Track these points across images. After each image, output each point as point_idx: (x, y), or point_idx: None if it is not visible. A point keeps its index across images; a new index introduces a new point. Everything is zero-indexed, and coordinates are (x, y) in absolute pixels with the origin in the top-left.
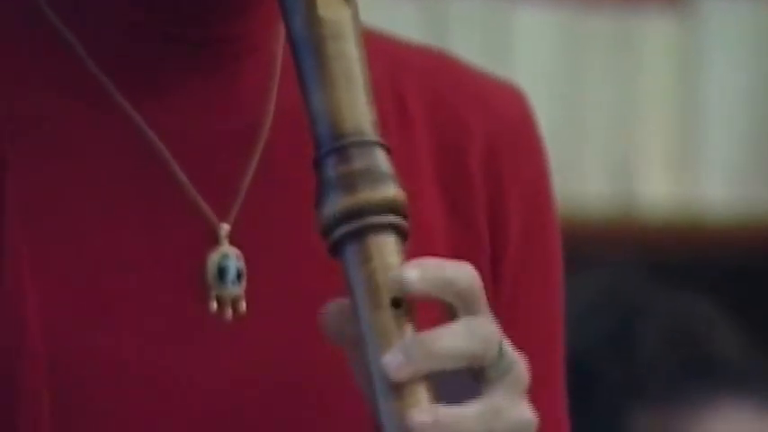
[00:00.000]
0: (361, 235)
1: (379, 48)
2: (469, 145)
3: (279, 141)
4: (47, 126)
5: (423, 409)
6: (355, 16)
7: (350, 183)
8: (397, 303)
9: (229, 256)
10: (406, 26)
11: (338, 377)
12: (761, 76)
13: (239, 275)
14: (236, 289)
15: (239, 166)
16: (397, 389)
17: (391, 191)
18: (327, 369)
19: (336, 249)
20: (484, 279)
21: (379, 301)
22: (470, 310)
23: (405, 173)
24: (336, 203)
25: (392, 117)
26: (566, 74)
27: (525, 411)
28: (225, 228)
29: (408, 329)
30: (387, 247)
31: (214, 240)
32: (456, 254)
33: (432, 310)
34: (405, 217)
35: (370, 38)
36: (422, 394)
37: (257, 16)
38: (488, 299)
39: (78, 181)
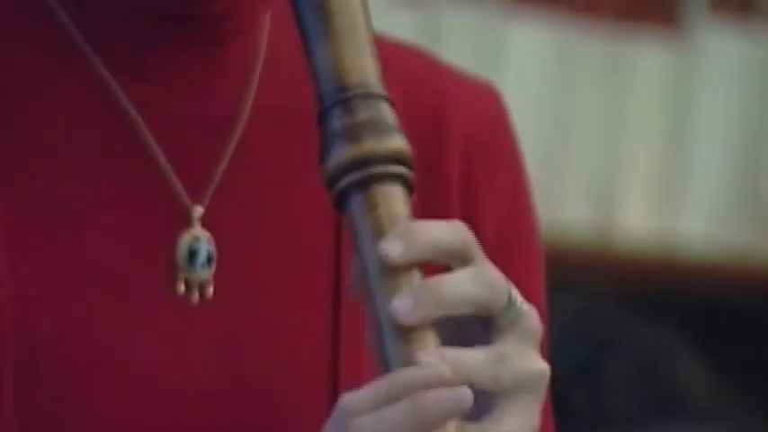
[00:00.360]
0: (366, 184)
1: None
2: (446, 145)
3: (257, 127)
4: (26, 91)
5: (430, 351)
6: None
7: (355, 133)
8: None
9: (201, 239)
10: (399, 37)
11: (299, 367)
12: (750, 116)
13: (209, 259)
14: (204, 273)
15: (216, 149)
16: (406, 333)
17: (397, 142)
18: (287, 359)
19: (341, 201)
20: None
21: None
22: (467, 263)
23: None
24: (342, 154)
25: None
26: (555, 93)
27: (536, 361)
28: (198, 210)
29: (416, 276)
30: (393, 196)
31: (186, 222)
32: None
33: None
34: (411, 168)
35: None
36: (430, 339)
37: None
38: None
39: (54, 150)
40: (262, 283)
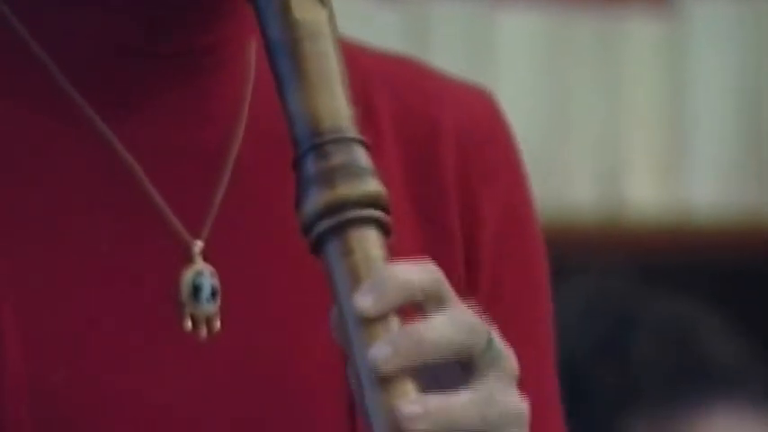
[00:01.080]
0: (342, 229)
1: (348, 58)
2: (441, 152)
3: (251, 154)
4: (14, 139)
5: (411, 399)
6: (331, 17)
7: (329, 178)
8: None
9: (203, 273)
10: (386, 33)
11: (313, 393)
12: (747, 78)
13: (214, 293)
14: (210, 307)
15: (211, 180)
16: (385, 382)
17: (371, 185)
18: (303, 385)
19: (318, 246)
20: (460, 284)
21: None
22: (442, 304)
23: None
24: (316, 199)
25: (362, 127)
26: (550, 79)
27: (517, 400)
28: (198, 245)
29: (394, 323)
30: (369, 239)
31: (188, 258)
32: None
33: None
34: (386, 211)
35: (342, 48)
36: (409, 387)
37: (229, 29)
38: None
39: (47, 198)
40: (269, 312)
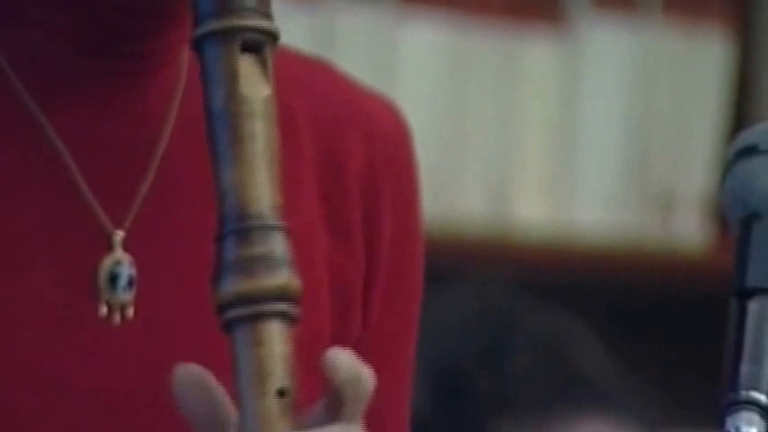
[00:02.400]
0: (253, 320)
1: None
2: (349, 161)
3: (178, 151)
4: None
5: None
6: (274, 95)
7: (247, 267)
8: (282, 393)
9: (122, 262)
10: (293, 40)
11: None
12: (636, 103)
13: (130, 282)
14: (126, 295)
15: (138, 174)
16: None
17: (286, 278)
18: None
19: (228, 329)
20: (358, 295)
21: (265, 389)
22: (353, 412)
23: (289, 186)
24: (233, 286)
25: (280, 130)
26: (449, 93)
27: None
28: (119, 235)
29: (289, 422)
30: (277, 334)
31: (108, 247)
32: (333, 268)
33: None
34: (296, 303)
35: None
36: None
37: (173, 35)
38: (358, 318)
39: None
40: (181, 302)
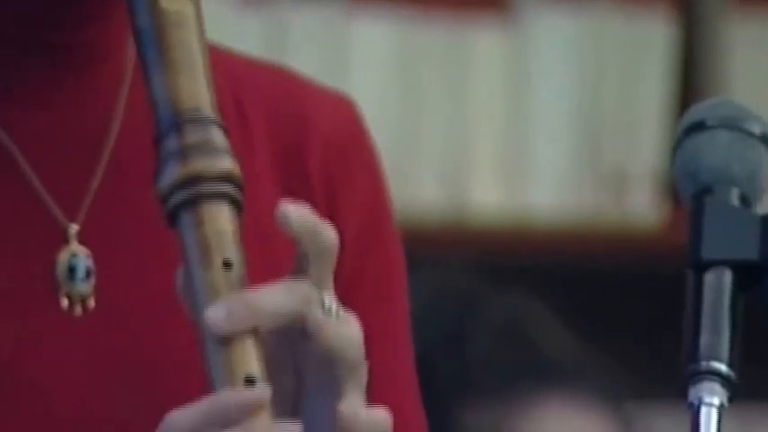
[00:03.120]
0: (195, 202)
1: (219, 62)
2: (308, 156)
3: (127, 145)
4: None
5: (252, 359)
6: (198, 12)
7: (186, 154)
8: (227, 264)
9: (78, 255)
10: (246, 38)
11: (182, 369)
12: (585, 86)
13: (88, 273)
14: (85, 286)
15: (89, 168)
16: (223, 341)
17: (226, 162)
18: (172, 361)
19: (172, 218)
20: None
21: (209, 262)
22: (320, 274)
23: (246, 181)
24: (172, 173)
25: (233, 129)
26: (401, 85)
27: (380, 412)
28: (74, 228)
29: (237, 290)
30: (219, 213)
31: (64, 240)
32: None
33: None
34: (239, 189)
35: (212, 53)
36: (250, 350)
37: (113, 23)
38: None
39: None
40: (141, 291)
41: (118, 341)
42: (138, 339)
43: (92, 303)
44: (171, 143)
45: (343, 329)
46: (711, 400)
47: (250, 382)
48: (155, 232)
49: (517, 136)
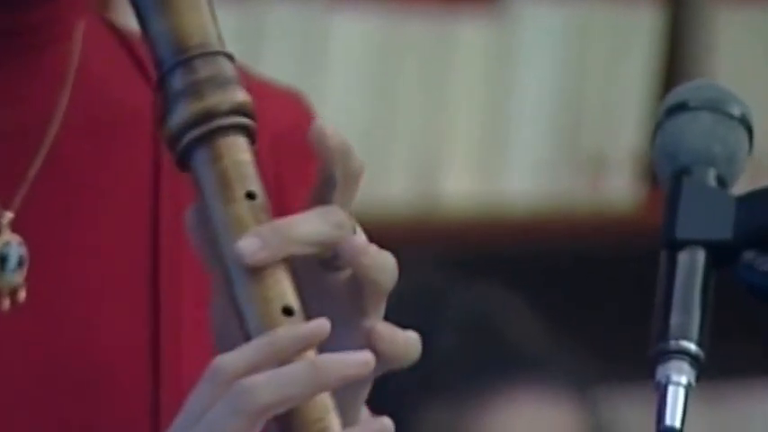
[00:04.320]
0: (210, 138)
1: None
2: (259, 150)
3: (69, 135)
4: None
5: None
6: None
7: (197, 90)
8: (251, 196)
9: (10, 243)
10: (223, 34)
11: (116, 363)
12: (566, 68)
13: (21, 263)
14: (15, 277)
15: (26, 157)
16: (256, 273)
17: (238, 94)
18: (106, 356)
19: (185, 157)
20: None
21: (232, 195)
22: (344, 197)
23: None
24: (184, 111)
25: None
26: (379, 79)
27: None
28: (7, 216)
29: (265, 220)
30: (237, 145)
31: None
32: None
33: None
34: (253, 118)
35: None
36: (282, 277)
37: (62, 5)
38: None
39: None
40: (75, 284)
41: (48, 337)
42: (69, 336)
43: (22, 295)
44: (179, 81)
45: (380, 255)
46: (679, 379)
47: (288, 312)
48: (95, 224)
49: (496, 122)
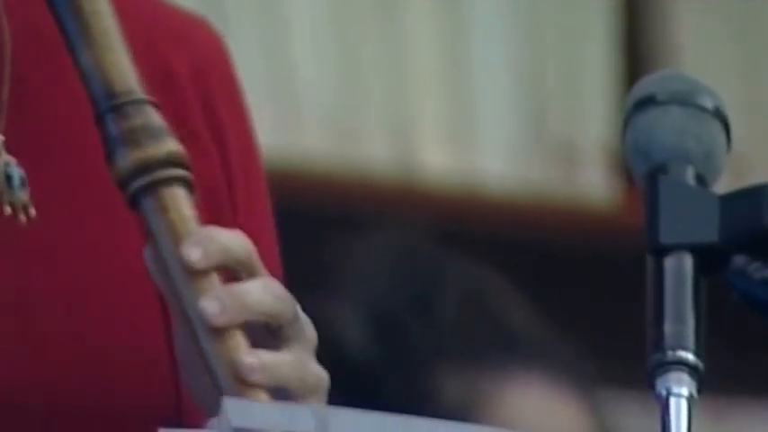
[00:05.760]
0: (154, 188)
1: (126, 9)
2: (179, 77)
3: (23, 54)
4: None
5: (250, 352)
6: None
7: (134, 138)
8: None
9: (10, 164)
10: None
11: (128, 282)
12: (531, 49)
13: (23, 182)
14: (23, 194)
15: None
16: (218, 333)
17: (172, 145)
18: (119, 272)
19: (134, 202)
20: (226, 199)
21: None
22: (252, 273)
23: (187, 140)
24: (126, 159)
25: (163, 89)
26: (343, 43)
27: (321, 369)
28: (0, 138)
29: (215, 279)
30: (180, 198)
31: None
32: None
33: None
34: (189, 169)
35: None
36: (240, 338)
37: None
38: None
39: None
40: (77, 201)
41: (67, 251)
42: (87, 250)
43: (32, 211)
44: (115, 126)
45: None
46: (680, 390)
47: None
48: (78, 140)
49: (462, 101)
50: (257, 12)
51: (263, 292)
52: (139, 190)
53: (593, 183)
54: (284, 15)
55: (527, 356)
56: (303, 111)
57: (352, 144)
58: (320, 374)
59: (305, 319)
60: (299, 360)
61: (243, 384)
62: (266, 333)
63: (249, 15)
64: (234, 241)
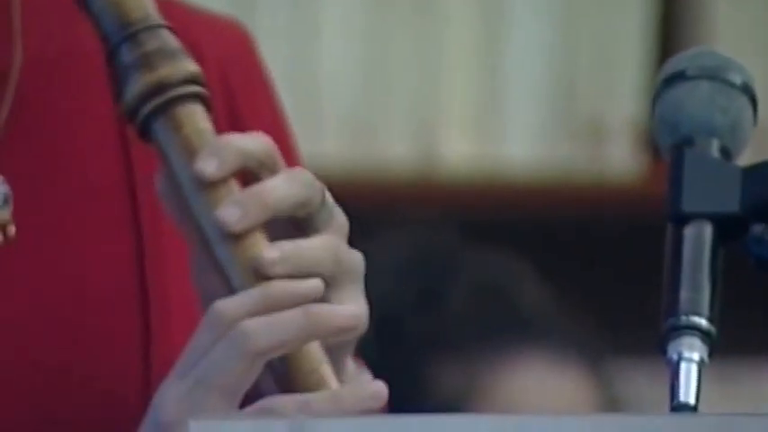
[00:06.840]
0: (168, 107)
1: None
2: (205, 63)
3: (32, 76)
4: None
5: (270, 246)
6: None
7: (147, 62)
8: None
9: None
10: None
11: (104, 298)
12: (560, 33)
13: (6, 200)
14: (4, 213)
15: None
16: (237, 239)
17: (188, 64)
18: (95, 289)
19: (145, 128)
20: None
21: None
22: (274, 171)
23: None
24: (139, 83)
25: None
26: (371, 37)
27: (356, 252)
28: None
29: (234, 186)
30: (196, 113)
31: None
32: None
33: None
34: (206, 86)
35: None
36: (259, 236)
37: None
38: None
39: None
40: (61, 220)
41: (42, 270)
42: (62, 269)
43: (12, 230)
44: (128, 55)
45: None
46: (691, 355)
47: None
48: (71, 160)
49: (490, 87)
50: (287, 7)
51: (288, 185)
52: (151, 113)
53: (620, 159)
54: (316, 12)
55: (536, 337)
56: (324, 107)
57: (375, 137)
58: (355, 256)
59: (334, 206)
60: (329, 242)
61: (266, 281)
62: (291, 228)
63: (278, 13)
64: (252, 142)
